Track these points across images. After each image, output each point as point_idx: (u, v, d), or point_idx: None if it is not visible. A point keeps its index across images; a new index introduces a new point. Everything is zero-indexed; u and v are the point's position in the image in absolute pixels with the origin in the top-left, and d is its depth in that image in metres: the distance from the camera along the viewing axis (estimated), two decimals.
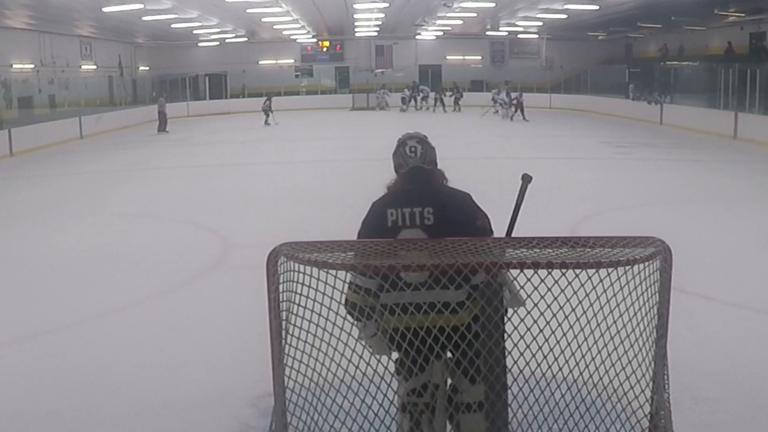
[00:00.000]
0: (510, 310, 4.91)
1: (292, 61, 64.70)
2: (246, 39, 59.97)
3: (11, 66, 40.26)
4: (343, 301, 5.14)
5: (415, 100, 57.38)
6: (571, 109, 50.60)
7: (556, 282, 4.67)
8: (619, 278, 4.84)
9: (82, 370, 8.28)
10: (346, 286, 5.17)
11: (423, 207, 5.50)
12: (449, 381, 5.58)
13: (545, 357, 4.84)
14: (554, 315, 4.79)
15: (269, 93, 50.17)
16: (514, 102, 45.43)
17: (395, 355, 5.44)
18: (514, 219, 5.96)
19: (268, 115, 45.88)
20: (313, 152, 29.55)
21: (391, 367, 4.87)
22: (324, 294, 4.89)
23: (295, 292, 5.06)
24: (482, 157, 25.04)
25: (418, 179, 5.71)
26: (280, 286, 5.08)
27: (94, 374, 8.13)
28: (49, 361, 8.60)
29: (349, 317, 5.28)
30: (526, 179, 6.16)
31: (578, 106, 50.52)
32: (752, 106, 32.26)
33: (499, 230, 5.72)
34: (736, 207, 17.11)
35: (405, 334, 5.04)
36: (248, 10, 40.49)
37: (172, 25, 45.75)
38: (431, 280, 5.19)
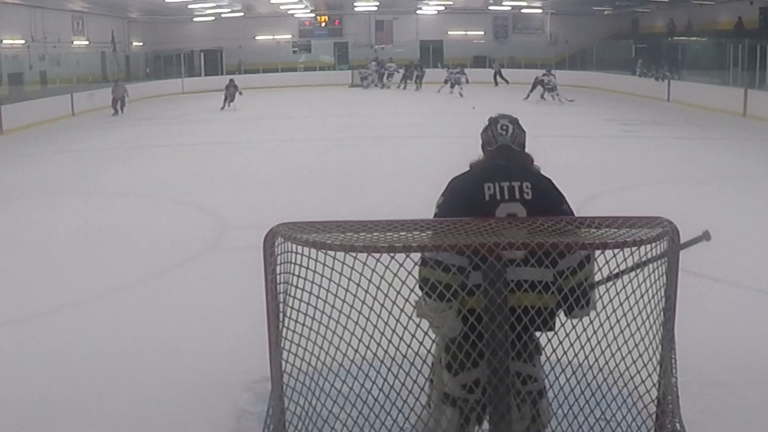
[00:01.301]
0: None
1: (290, 36, 64.64)
2: (242, 14, 59.90)
3: (1, 42, 40.24)
4: (420, 278, 5.07)
5: (381, 77, 56.06)
6: (575, 86, 50.43)
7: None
8: (625, 260, 4.83)
9: (74, 353, 8.28)
10: (419, 265, 5.09)
11: (521, 181, 5.43)
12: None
13: (549, 341, 4.85)
14: (559, 297, 4.79)
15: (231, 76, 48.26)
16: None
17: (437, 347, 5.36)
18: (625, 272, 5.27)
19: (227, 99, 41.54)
20: (312, 130, 29.52)
21: (391, 350, 4.85)
22: (322, 276, 4.88)
23: (293, 274, 5.06)
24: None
25: (509, 157, 5.65)
26: (277, 268, 5.07)
27: (86, 358, 8.13)
28: (40, 344, 8.60)
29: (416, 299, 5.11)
30: (706, 236, 5.91)
31: (583, 83, 50.40)
32: (762, 82, 32.21)
33: None
34: (746, 186, 17.08)
35: (481, 316, 4.80)
36: None
37: None
38: (522, 258, 5.01)
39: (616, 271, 5.11)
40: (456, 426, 5.31)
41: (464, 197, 5.44)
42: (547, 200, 5.43)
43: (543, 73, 44.63)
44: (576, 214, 5.34)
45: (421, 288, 5.14)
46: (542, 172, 5.68)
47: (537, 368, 5.27)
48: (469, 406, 5.25)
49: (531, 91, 42.02)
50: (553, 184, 5.61)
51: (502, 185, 5.39)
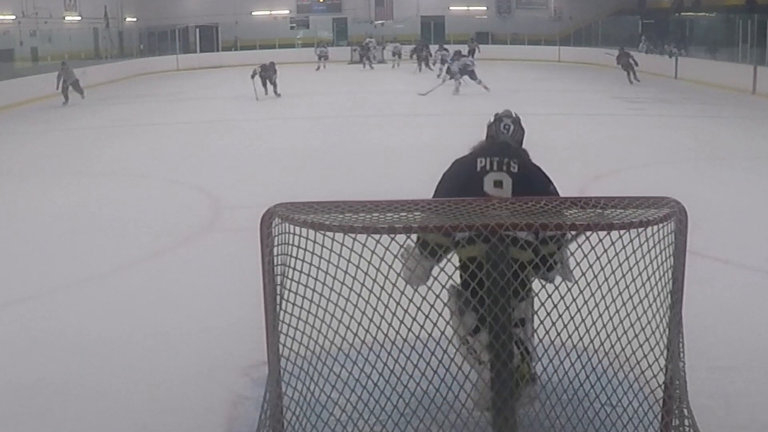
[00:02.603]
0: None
1: (287, 12, 64.54)
2: None
3: None
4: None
5: (369, 59, 53.65)
6: (580, 63, 50.44)
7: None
8: (631, 241, 4.83)
9: (64, 338, 8.27)
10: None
11: (510, 158, 6.25)
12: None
13: (554, 324, 4.84)
14: (563, 280, 4.79)
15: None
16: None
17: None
18: None
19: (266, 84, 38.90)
20: (309, 108, 29.49)
21: (391, 334, 4.86)
22: (321, 257, 4.88)
23: (291, 256, 5.06)
24: (489, 113, 24.94)
25: (506, 150, 6.43)
26: (275, 249, 5.07)
27: (77, 343, 8.12)
28: (30, 329, 8.58)
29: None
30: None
31: (588, 60, 50.29)
32: None
33: None
34: (756, 166, 17.01)
35: (482, 264, 5.05)
36: None
37: None
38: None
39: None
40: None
41: (461, 171, 6.37)
42: (533, 176, 6.26)
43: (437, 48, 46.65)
44: (579, 195, 5.36)
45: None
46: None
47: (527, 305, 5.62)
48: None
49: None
50: (541, 169, 6.40)
51: (492, 159, 6.25)
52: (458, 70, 33.84)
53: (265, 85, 33.68)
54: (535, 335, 5.39)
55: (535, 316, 5.05)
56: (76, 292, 9.75)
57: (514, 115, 6.86)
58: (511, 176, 6.18)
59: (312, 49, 56.15)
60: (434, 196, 6.40)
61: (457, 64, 34.31)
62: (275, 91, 33.90)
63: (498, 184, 6.14)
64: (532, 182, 6.20)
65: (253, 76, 33.24)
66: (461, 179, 6.33)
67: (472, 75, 33.29)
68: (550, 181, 6.35)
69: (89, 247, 11.58)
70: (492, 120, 6.82)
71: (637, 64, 37.98)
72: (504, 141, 6.56)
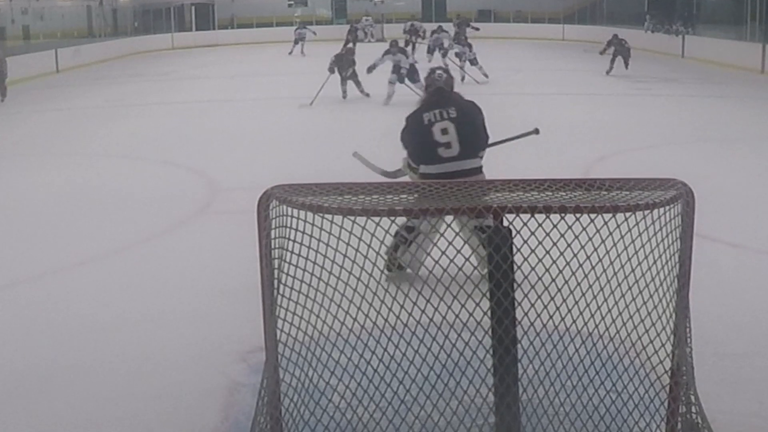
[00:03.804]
0: (519, 259, 4.88)
1: None
2: None
3: None
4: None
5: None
6: (585, 41, 50.33)
7: (569, 228, 4.65)
8: (637, 223, 4.81)
9: (58, 322, 8.28)
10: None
11: (447, 108, 8.75)
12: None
13: (558, 308, 4.83)
14: (567, 263, 4.78)
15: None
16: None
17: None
18: (499, 143, 9.66)
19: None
20: (308, 88, 29.43)
21: (391, 319, 4.86)
22: (319, 241, 4.87)
23: (288, 239, 5.05)
24: (491, 93, 24.93)
25: (441, 94, 9.05)
26: (272, 232, 5.06)
27: (71, 327, 8.14)
28: (23, 312, 8.61)
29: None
30: (534, 131, 10.34)
31: (593, 38, 50.08)
32: None
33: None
34: (764, 146, 17.05)
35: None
36: None
37: None
38: (461, 155, 8.63)
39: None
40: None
41: (413, 127, 8.91)
42: (469, 112, 8.92)
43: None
44: (584, 176, 5.39)
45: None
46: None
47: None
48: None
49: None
50: (474, 103, 9.15)
51: (434, 112, 8.76)
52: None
53: (344, 83, 26.48)
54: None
55: (539, 301, 5.05)
56: (69, 276, 9.76)
57: (444, 67, 10.32)
58: (452, 121, 8.66)
59: (311, 27, 56.04)
60: (409, 156, 9.19)
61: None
62: (361, 91, 26.33)
63: (444, 131, 8.62)
64: (471, 118, 8.87)
65: (332, 71, 26.61)
66: (416, 135, 8.85)
67: (474, 61, 30.06)
68: (480, 110, 9.07)
69: (83, 230, 11.58)
70: (427, 73, 9.55)
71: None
72: (439, 86, 9.10)
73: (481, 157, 8.92)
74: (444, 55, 34.46)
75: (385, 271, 6.36)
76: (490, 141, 9.22)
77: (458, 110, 8.79)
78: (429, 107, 8.85)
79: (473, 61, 29.78)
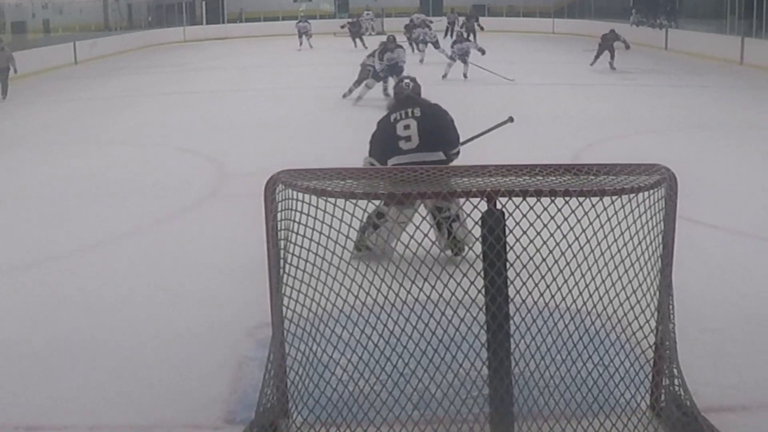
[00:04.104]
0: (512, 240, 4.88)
1: None
2: None
3: None
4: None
5: (361, 38, 44.35)
6: (574, 34, 50.19)
7: (559, 210, 4.65)
8: (623, 206, 4.82)
9: (76, 300, 8.28)
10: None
11: (412, 108, 8.95)
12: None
13: (548, 287, 4.84)
14: (557, 244, 4.78)
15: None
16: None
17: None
18: (476, 137, 9.84)
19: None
20: (312, 79, 29.40)
21: (391, 297, 4.86)
22: (323, 222, 4.87)
23: (294, 221, 5.08)
24: (484, 83, 24.89)
25: (408, 98, 9.35)
26: (278, 215, 5.09)
27: (88, 305, 8.14)
28: (44, 291, 8.60)
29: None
30: (508, 120, 10.25)
31: (581, 31, 50.05)
32: (759, 30, 32.04)
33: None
34: (743, 134, 17.02)
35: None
36: None
37: None
38: (420, 147, 8.70)
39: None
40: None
41: (382, 126, 9.08)
42: (434, 112, 9.07)
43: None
44: (572, 161, 5.39)
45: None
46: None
47: (449, 203, 8.02)
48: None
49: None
50: (439, 105, 9.25)
51: (400, 112, 8.97)
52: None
53: (385, 80, 22.63)
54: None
55: (530, 280, 5.05)
56: (87, 256, 9.75)
57: (412, 76, 10.37)
58: (415, 119, 8.82)
59: (315, 21, 55.83)
60: (370, 149, 9.22)
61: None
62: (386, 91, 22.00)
63: (406, 127, 8.78)
64: (434, 117, 9.00)
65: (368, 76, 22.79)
66: (383, 132, 9.01)
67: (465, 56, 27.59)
68: (446, 112, 9.17)
69: (100, 213, 11.56)
70: (396, 81, 10.66)
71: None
72: (407, 94, 9.46)
73: (449, 156, 8.88)
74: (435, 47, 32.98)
75: (354, 251, 6.33)
76: (470, 135, 9.64)
77: (422, 111, 8.96)
78: (396, 109, 9.12)
79: (466, 54, 27.50)
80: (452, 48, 28.13)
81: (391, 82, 20.92)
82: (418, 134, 8.73)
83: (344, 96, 22.90)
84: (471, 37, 38.33)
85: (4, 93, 25.56)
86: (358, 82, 22.80)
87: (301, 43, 45.16)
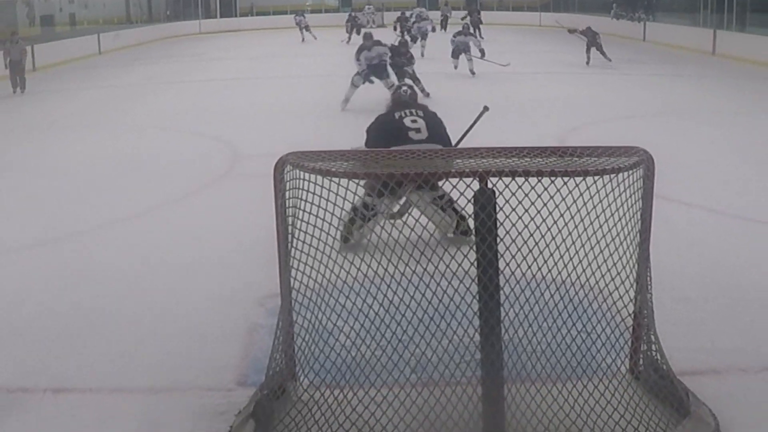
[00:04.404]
0: (502, 216, 4.86)
1: None
2: None
3: None
4: None
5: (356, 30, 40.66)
6: (560, 27, 50.04)
7: (545, 189, 4.65)
8: (604, 185, 4.81)
9: (99, 271, 8.29)
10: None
11: (415, 109, 8.76)
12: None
13: (535, 260, 4.83)
14: (544, 220, 4.77)
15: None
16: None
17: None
18: (464, 136, 9.16)
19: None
20: (318, 67, 29.35)
21: (390, 269, 4.85)
22: (327, 201, 4.87)
23: (301, 199, 5.09)
24: (481, 72, 24.80)
25: (408, 101, 9.16)
26: (287, 194, 5.10)
27: (111, 275, 8.15)
28: (70, 262, 8.61)
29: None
30: (485, 109, 9.58)
31: (566, 24, 49.96)
32: (730, 23, 32.00)
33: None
34: (715, 119, 17.00)
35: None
36: None
37: None
38: (429, 139, 8.33)
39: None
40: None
41: (385, 121, 8.71)
42: (435, 117, 8.77)
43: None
44: (559, 144, 5.40)
45: None
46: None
47: (441, 191, 7.72)
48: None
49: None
50: (437, 115, 8.91)
51: (404, 111, 8.65)
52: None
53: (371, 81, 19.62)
54: None
55: (519, 253, 5.04)
56: (111, 230, 9.76)
57: (409, 83, 10.02)
58: (420, 117, 8.54)
59: (320, 15, 55.79)
60: (367, 144, 8.62)
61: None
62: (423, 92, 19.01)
63: (414, 121, 8.46)
64: (435, 118, 8.72)
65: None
66: (388, 125, 8.59)
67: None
68: (442, 122, 8.81)
69: (122, 191, 11.57)
70: (395, 88, 10.16)
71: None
72: (405, 100, 9.17)
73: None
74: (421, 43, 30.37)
75: (341, 243, 6.33)
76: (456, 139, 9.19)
77: (424, 112, 8.78)
78: (399, 108, 8.81)
79: (467, 50, 25.00)
80: (453, 39, 25.60)
81: (392, 78, 19.40)
82: (426, 128, 8.45)
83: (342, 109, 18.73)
84: (476, 32, 37.73)
85: (23, 87, 23.88)
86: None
87: (303, 37, 44.29)
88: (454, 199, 7.81)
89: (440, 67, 25.49)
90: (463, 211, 7.46)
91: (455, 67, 25.34)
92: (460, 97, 15.82)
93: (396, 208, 8.14)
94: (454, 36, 25.85)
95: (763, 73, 25.23)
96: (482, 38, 36.59)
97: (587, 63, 28.41)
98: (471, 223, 4.99)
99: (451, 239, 7.72)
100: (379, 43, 19.81)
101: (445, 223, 8.00)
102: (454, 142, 8.86)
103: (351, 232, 7.88)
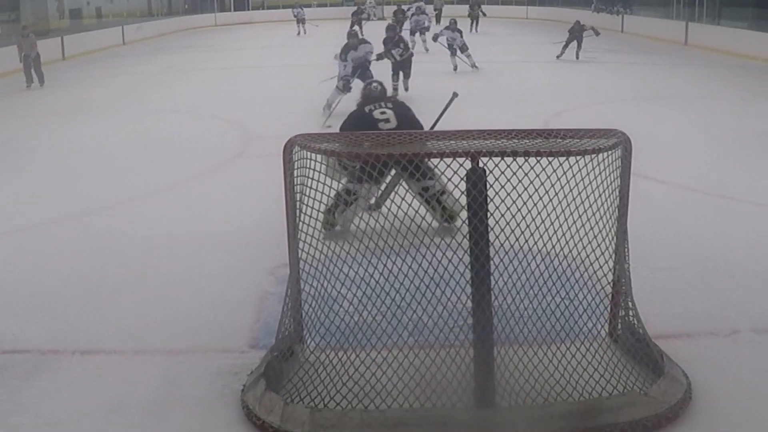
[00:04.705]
0: (492, 193, 4.84)
1: None
2: None
3: None
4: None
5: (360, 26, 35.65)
6: (545, 20, 49.88)
7: (532, 168, 4.64)
8: (586, 165, 4.81)
9: (126, 242, 8.31)
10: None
11: (384, 101, 8.50)
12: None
13: (522, 233, 4.82)
14: (530, 196, 4.76)
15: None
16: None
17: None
18: (437, 122, 9.14)
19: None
20: (323, 57, 29.19)
21: (390, 241, 4.84)
22: (332, 178, 4.86)
23: (307, 177, 5.10)
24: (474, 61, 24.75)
25: (378, 96, 8.71)
26: (295, 172, 5.12)
27: (135, 245, 8.18)
28: (98, 234, 8.63)
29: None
30: (454, 95, 9.51)
31: (551, 17, 49.79)
32: (701, 16, 31.99)
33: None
34: (686, 104, 17.01)
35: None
36: None
37: None
38: (399, 127, 7.99)
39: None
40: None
41: (357, 116, 8.40)
42: (404, 107, 8.59)
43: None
44: (544, 127, 5.38)
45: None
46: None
47: (433, 180, 7.47)
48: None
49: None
50: (408, 105, 8.73)
51: (373, 105, 8.40)
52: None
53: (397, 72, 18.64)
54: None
55: (507, 227, 5.03)
56: (135, 205, 9.77)
57: (378, 81, 9.43)
58: (389, 108, 8.34)
59: (325, 8, 55.55)
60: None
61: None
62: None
63: (383, 113, 8.24)
64: (404, 108, 8.54)
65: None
66: (358, 119, 8.30)
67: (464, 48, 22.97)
68: (410, 108, 8.63)
69: (145, 170, 11.57)
70: (365, 85, 9.51)
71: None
72: (375, 95, 8.70)
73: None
74: (434, 39, 24.62)
75: (323, 230, 6.25)
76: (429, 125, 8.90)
77: (393, 103, 8.61)
78: (368, 103, 8.54)
79: (463, 48, 22.93)
80: (441, 33, 23.62)
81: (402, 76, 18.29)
82: (395, 118, 8.23)
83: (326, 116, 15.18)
84: (473, 25, 36.92)
85: (41, 80, 22.27)
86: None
87: (299, 31, 42.06)
88: (441, 189, 7.53)
89: (434, 61, 25.37)
90: (449, 200, 7.66)
91: (455, 68, 22.98)
92: (454, 88, 15.78)
93: (373, 199, 7.82)
94: (443, 29, 23.74)
95: (730, 62, 25.21)
96: (476, 32, 36.22)
97: (558, 56, 26.52)
98: (463, 200, 4.98)
99: (437, 229, 7.64)
100: (364, 41, 17.38)
101: (435, 215, 7.61)
102: (428, 128, 8.64)
103: (333, 216, 7.48)
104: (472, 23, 38.23)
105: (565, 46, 26.57)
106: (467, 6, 42.75)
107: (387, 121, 8.21)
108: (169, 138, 14.08)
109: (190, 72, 25.75)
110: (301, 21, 42.62)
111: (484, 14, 41.09)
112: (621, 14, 40.38)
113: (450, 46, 23.16)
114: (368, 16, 45.16)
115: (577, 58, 26.14)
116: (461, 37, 23.15)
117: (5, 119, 16.86)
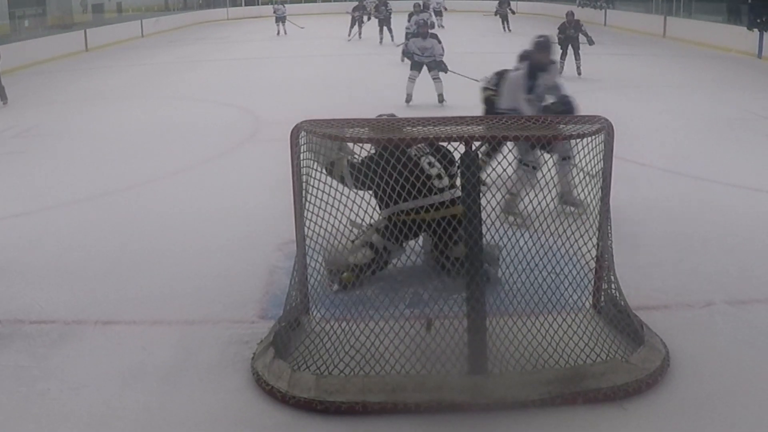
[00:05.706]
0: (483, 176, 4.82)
1: None
2: None
3: None
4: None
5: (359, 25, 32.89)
6: (535, 14, 49.71)
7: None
8: (571, 148, 4.79)
9: (144, 219, 8.31)
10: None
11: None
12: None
13: (512, 211, 4.80)
14: (520, 178, 4.74)
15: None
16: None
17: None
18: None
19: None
20: (328, 48, 29.20)
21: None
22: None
23: (313, 160, 5.07)
24: (461, 51, 24.69)
25: None
26: (301, 155, 5.10)
27: (152, 223, 8.17)
28: (118, 212, 8.61)
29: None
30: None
31: (538, 11, 49.65)
32: (678, 10, 31.95)
33: None
34: (664, 91, 17.00)
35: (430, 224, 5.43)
36: None
37: None
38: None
39: None
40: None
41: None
42: None
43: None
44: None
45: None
46: None
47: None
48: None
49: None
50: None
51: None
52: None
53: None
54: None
55: (498, 207, 5.01)
56: (153, 185, 9.78)
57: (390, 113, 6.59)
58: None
59: (333, 3, 55.30)
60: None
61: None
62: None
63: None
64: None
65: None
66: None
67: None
68: None
69: (161, 153, 11.58)
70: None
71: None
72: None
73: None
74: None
75: (339, 286, 6.02)
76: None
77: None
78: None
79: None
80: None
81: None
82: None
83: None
84: (504, 24, 35.13)
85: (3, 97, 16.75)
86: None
87: (278, 31, 36.73)
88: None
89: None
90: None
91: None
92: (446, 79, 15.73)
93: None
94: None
95: (705, 53, 25.19)
96: (510, 31, 34.58)
97: (559, 73, 24.17)
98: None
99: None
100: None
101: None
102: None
103: (359, 276, 5.86)
104: (503, 22, 35.75)
105: (562, 57, 20.22)
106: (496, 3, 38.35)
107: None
108: (184, 123, 14.06)
109: (203, 62, 25.69)
110: (281, 20, 37.08)
111: (513, 12, 37.46)
112: (604, 9, 40.39)
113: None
114: (369, 17, 42.00)
115: (579, 74, 19.93)
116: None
117: (33, 106, 16.81)
